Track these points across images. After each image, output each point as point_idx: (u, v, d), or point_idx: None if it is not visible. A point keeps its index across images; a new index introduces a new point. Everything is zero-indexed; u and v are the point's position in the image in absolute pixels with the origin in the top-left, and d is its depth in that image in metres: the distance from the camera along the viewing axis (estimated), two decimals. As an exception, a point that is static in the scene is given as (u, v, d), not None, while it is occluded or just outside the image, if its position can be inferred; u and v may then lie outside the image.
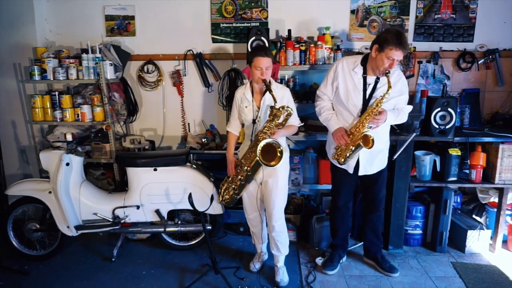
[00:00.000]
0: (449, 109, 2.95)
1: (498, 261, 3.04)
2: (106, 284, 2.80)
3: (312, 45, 3.30)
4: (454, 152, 3.01)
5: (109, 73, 3.44)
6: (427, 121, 3.00)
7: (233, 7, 3.59)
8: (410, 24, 3.54)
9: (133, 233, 3.21)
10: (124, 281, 2.83)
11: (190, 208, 2.60)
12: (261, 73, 2.45)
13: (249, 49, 3.08)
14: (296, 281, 2.78)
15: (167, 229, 3.07)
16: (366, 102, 2.53)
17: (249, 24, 3.58)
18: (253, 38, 3.17)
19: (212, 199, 2.76)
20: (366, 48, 3.47)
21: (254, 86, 2.58)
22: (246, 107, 2.59)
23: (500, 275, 2.85)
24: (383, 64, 2.39)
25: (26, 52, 3.60)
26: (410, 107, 2.67)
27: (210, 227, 3.06)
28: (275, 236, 2.70)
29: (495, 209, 3.20)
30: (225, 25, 3.63)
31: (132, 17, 3.67)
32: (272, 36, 3.52)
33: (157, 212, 3.07)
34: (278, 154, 2.38)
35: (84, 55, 3.36)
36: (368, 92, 2.54)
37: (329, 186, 3.20)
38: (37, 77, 3.40)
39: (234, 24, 3.62)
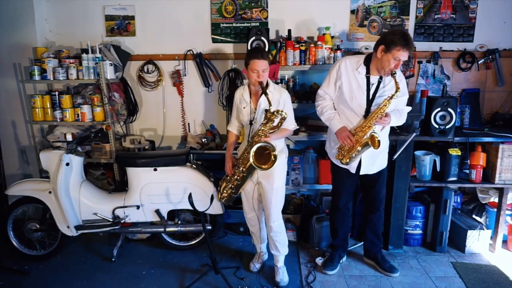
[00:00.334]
0: (449, 109, 2.95)
1: (498, 261, 3.04)
2: (106, 284, 2.80)
3: (312, 45, 3.30)
4: (454, 152, 3.01)
5: (109, 73, 3.44)
6: (427, 121, 3.00)
7: (233, 7, 3.59)
8: (410, 24, 3.54)
9: (133, 233, 3.21)
10: (124, 281, 2.83)
11: (190, 208, 2.60)
12: (258, 76, 2.44)
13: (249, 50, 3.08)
14: (296, 281, 2.78)
15: (167, 229, 3.07)
16: (369, 102, 2.54)
17: (249, 24, 3.58)
18: (253, 38, 3.17)
19: (212, 199, 2.76)
20: (366, 48, 3.48)
21: (251, 88, 2.58)
22: (244, 108, 2.59)
23: (500, 275, 2.85)
24: (389, 65, 2.40)
25: (26, 52, 3.60)
26: (409, 108, 2.67)
27: (210, 227, 3.07)
28: (273, 236, 2.70)
29: (495, 209, 3.20)
30: (225, 25, 3.63)
31: (132, 17, 3.67)
32: (272, 36, 3.52)
33: (157, 212, 3.07)
34: (272, 158, 2.38)
35: (84, 55, 3.36)
36: (371, 92, 2.54)
37: (329, 186, 3.21)
38: (37, 77, 3.40)
39: (234, 24, 3.62)
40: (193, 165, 3.12)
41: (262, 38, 3.17)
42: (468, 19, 3.50)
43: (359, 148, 2.51)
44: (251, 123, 2.57)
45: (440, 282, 2.77)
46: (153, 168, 3.01)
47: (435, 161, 3.08)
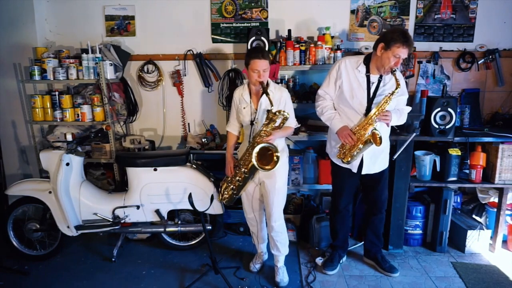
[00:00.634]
0: (449, 109, 2.95)
1: (498, 261, 3.04)
2: (106, 284, 2.80)
3: (312, 45, 3.30)
4: (454, 152, 3.01)
5: (109, 73, 3.44)
6: (427, 121, 3.00)
7: (233, 7, 3.59)
8: (410, 24, 3.54)
9: (133, 233, 3.21)
10: (124, 281, 2.83)
11: (190, 208, 2.60)
12: (259, 76, 2.43)
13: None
14: (296, 281, 2.78)
15: (167, 229, 3.07)
16: (370, 100, 2.54)
17: (249, 24, 3.58)
18: (253, 38, 3.17)
19: (212, 199, 2.76)
20: (366, 48, 3.48)
21: (252, 88, 2.57)
22: (244, 108, 2.58)
23: (500, 275, 2.86)
24: (389, 63, 2.41)
25: (26, 52, 3.60)
26: (409, 108, 2.67)
27: (210, 227, 3.07)
28: (274, 236, 2.70)
29: (495, 209, 3.20)
30: (225, 25, 3.63)
31: (132, 17, 3.67)
32: (272, 36, 3.52)
33: (157, 212, 3.07)
34: (275, 159, 2.38)
35: (84, 55, 3.36)
36: (372, 90, 2.54)
37: (329, 186, 3.21)
38: (37, 77, 3.40)
39: (234, 24, 3.62)
40: (193, 165, 3.12)
41: (262, 38, 3.17)
42: (468, 19, 3.50)
43: (360, 146, 2.51)
44: (252, 123, 2.56)
45: (440, 282, 2.77)
46: (153, 168, 3.02)
47: (435, 161, 3.08)
